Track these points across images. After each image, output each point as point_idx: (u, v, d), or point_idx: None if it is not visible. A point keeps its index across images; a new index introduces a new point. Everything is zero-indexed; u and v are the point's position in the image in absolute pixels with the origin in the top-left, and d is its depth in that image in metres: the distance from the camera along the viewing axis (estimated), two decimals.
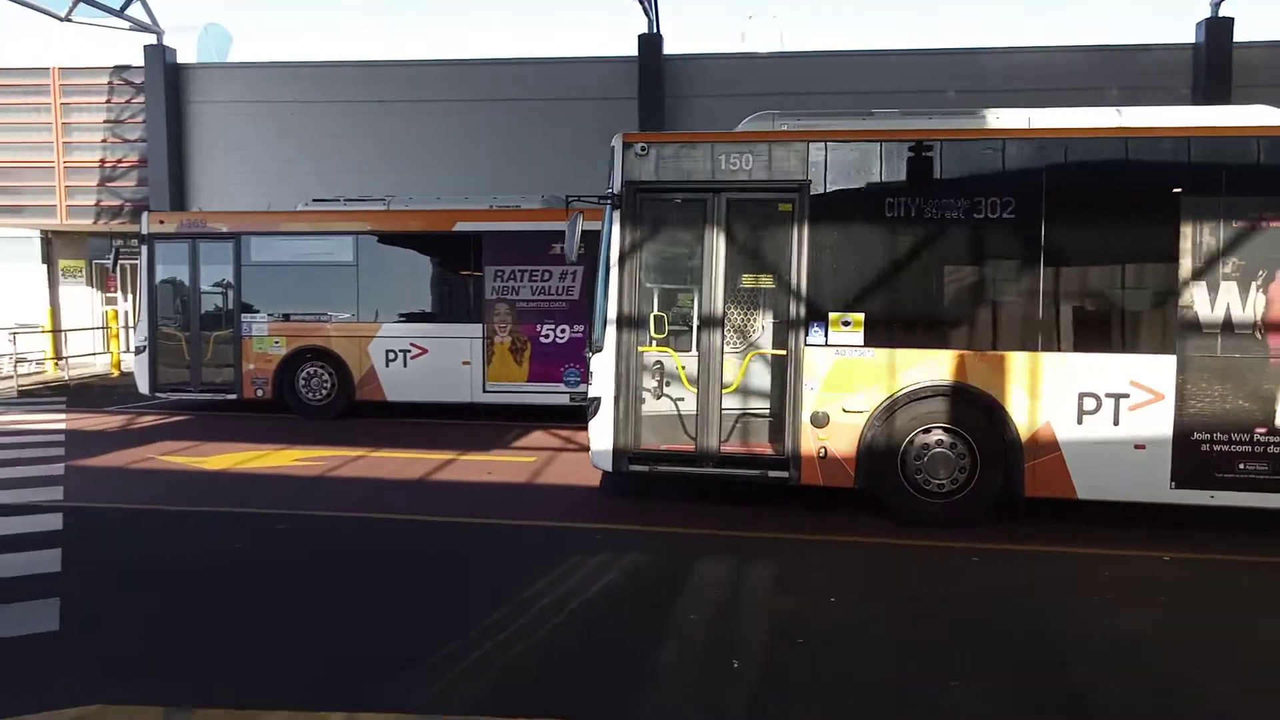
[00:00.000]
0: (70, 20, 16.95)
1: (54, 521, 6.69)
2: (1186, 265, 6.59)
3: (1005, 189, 6.81)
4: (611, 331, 7.22)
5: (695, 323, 7.22)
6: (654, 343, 7.24)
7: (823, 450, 7.01)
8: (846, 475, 7.02)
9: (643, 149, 7.24)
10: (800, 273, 6.97)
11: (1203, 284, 6.60)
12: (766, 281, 7.26)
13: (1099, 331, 6.90)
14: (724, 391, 7.18)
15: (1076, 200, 6.83)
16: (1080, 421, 6.73)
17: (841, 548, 6.36)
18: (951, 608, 5.16)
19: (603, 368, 7.25)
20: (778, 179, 7.02)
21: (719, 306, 7.14)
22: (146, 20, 17.41)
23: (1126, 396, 6.68)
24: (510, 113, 16.73)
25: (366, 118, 17.19)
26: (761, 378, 7.26)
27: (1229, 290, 6.57)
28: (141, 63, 17.72)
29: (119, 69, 18.23)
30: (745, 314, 7.37)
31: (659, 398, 7.35)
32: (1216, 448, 6.57)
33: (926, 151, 6.95)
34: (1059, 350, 6.80)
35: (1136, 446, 6.67)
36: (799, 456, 7.04)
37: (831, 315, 6.97)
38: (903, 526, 6.80)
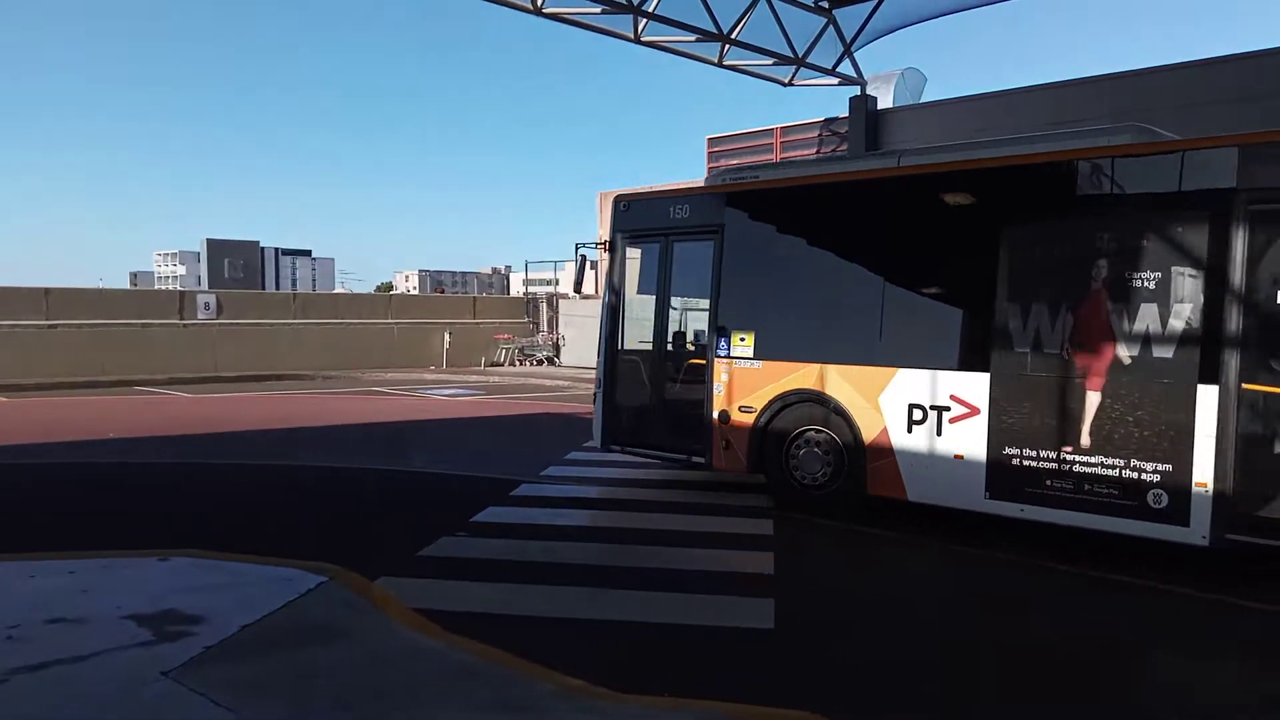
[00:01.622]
0: (792, 84, 19.68)
1: (765, 526, 7.72)
2: (1002, 289, 7.12)
3: (856, 226, 8.12)
4: (602, 341, 9.58)
5: (651, 336, 9.29)
6: (626, 352, 9.52)
7: (725, 442, 8.56)
8: (742, 463, 8.50)
9: (625, 207, 9.54)
10: (716, 297, 8.71)
11: (1016, 306, 7.04)
12: (698, 305, 9.10)
13: (925, 348, 7.58)
14: (666, 393, 9.25)
15: (911, 233, 7.77)
16: (910, 430, 7.49)
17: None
18: None
19: (599, 370, 9.61)
20: (705, 224, 8.84)
21: (666, 324, 9.23)
22: (853, 74, 19.28)
23: (948, 409, 7.29)
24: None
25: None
26: (693, 382, 8.94)
27: (1039, 312, 6.95)
28: (847, 113, 19.67)
29: (828, 121, 20.54)
30: (687, 330, 9.31)
31: (630, 395, 9.45)
32: (1026, 462, 6.90)
33: (797, 197, 8.53)
34: (892, 365, 7.61)
35: (956, 456, 7.23)
36: (710, 446, 8.65)
37: (733, 333, 8.58)
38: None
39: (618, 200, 9.73)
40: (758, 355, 8.46)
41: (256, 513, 7.99)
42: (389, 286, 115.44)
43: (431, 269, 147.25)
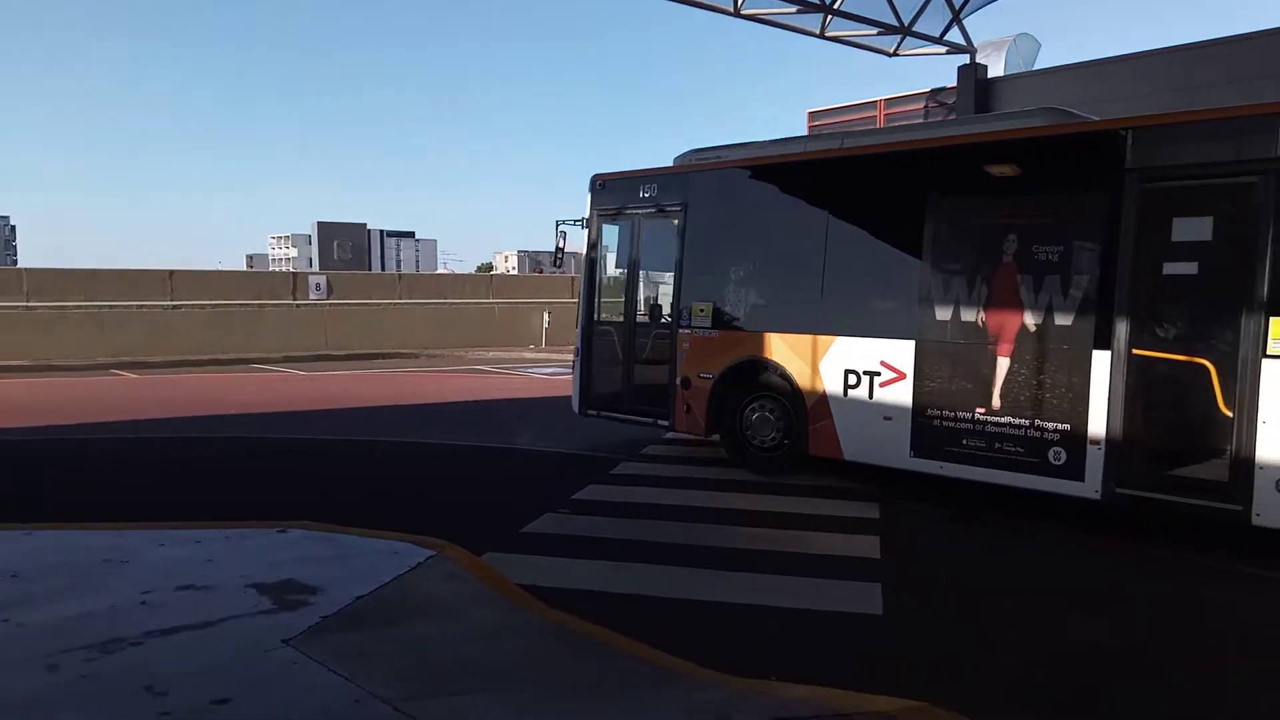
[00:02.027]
0: (897, 54, 19.06)
1: (870, 510, 7.53)
2: (925, 261, 7.67)
3: (798, 205, 8.61)
4: (580, 313, 10.33)
5: (622, 308, 9.95)
6: (602, 323, 10.21)
7: (686, 406, 9.18)
8: (700, 427, 9.12)
9: (602, 184, 10.04)
10: (680, 272, 9.32)
11: (937, 277, 7.60)
12: (666, 278, 9.66)
13: (859, 317, 8.16)
14: (636, 361, 9.85)
15: (845, 211, 8.28)
16: (846, 394, 8.12)
17: None
18: None
19: (577, 340, 10.29)
20: (671, 202, 9.42)
21: (635, 297, 9.89)
22: (961, 42, 18.55)
23: (878, 374, 7.91)
24: None
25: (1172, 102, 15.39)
26: (660, 352, 9.57)
27: (957, 284, 7.48)
28: (954, 83, 18.94)
29: (935, 91, 19.82)
30: (655, 303, 9.90)
31: (604, 364, 10.08)
32: (945, 423, 7.47)
33: (746, 178, 9.00)
34: (830, 334, 8.25)
35: (885, 418, 7.82)
36: (674, 411, 9.30)
37: (694, 305, 9.16)
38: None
39: (594, 179, 10.24)
40: (715, 326, 9.14)
41: (366, 487, 8.24)
42: (489, 267, 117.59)
43: (530, 249, 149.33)
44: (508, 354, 24.12)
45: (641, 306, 9.96)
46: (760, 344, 8.76)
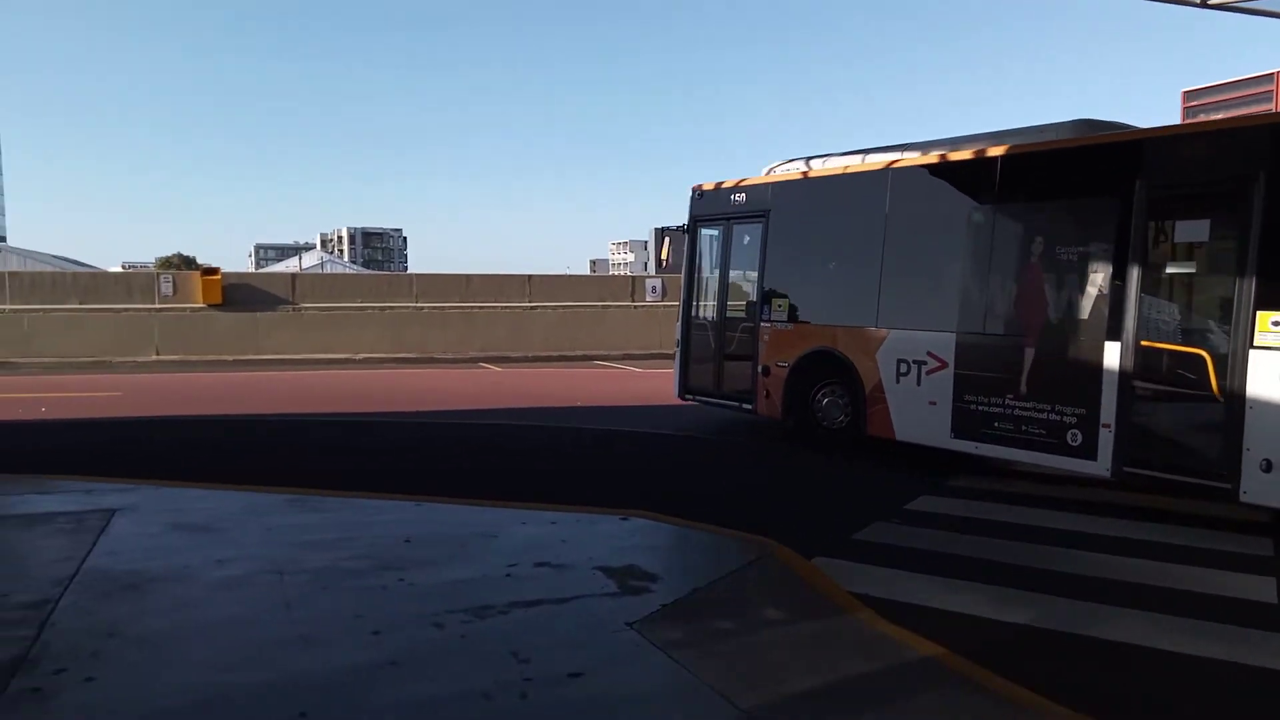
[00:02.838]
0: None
1: (1263, 546, 6.49)
2: (964, 262, 8.60)
3: (859, 213, 9.55)
4: (681, 309, 11.74)
5: (715, 305, 11.41)
6: (699, 317, 11.61)
7: (766, 391, 10.44)
8: (777, 410, 10.33)
9: (700, 195, 11.46)
10: (762, 271, 10.54)
11: (974, 276, 8.53)
12: (752, 278, 10.84)
13: (910, 313, 9.04)
14: (727, 351, 11.18)
15: (902, 219, 9.16)
16: (898, 381, 9.03)
17: None
18: None
19: (678, 333, 11.77)
20: (755, 209, 10.66)
21: (725, 295, 11.26)
22: None
23: (925, 363, 8.77)
24: None
25: None
26: (746, 344, 10.81)
27: (992, 283, 8.43)
28: None
29: None
30: (742, 300, 11.07)
31: (701, 354, 11.53)
32: (980, 407, 8.29)
33: (818, 188, 10.13)
34: (886, 327, 9.19)
35: (930, 402, 8.68)
36: (755, 396, 10.57)
37: (773, 301, 10.42)
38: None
39: (694, 189, 11.56)
40: (790, 319, 10.33)
41: (698, 480, 8.53)
42: None
43: None
44: None
45: (731, 303, 11.20)
46: (829, 336, 9.88)
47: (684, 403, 11.82)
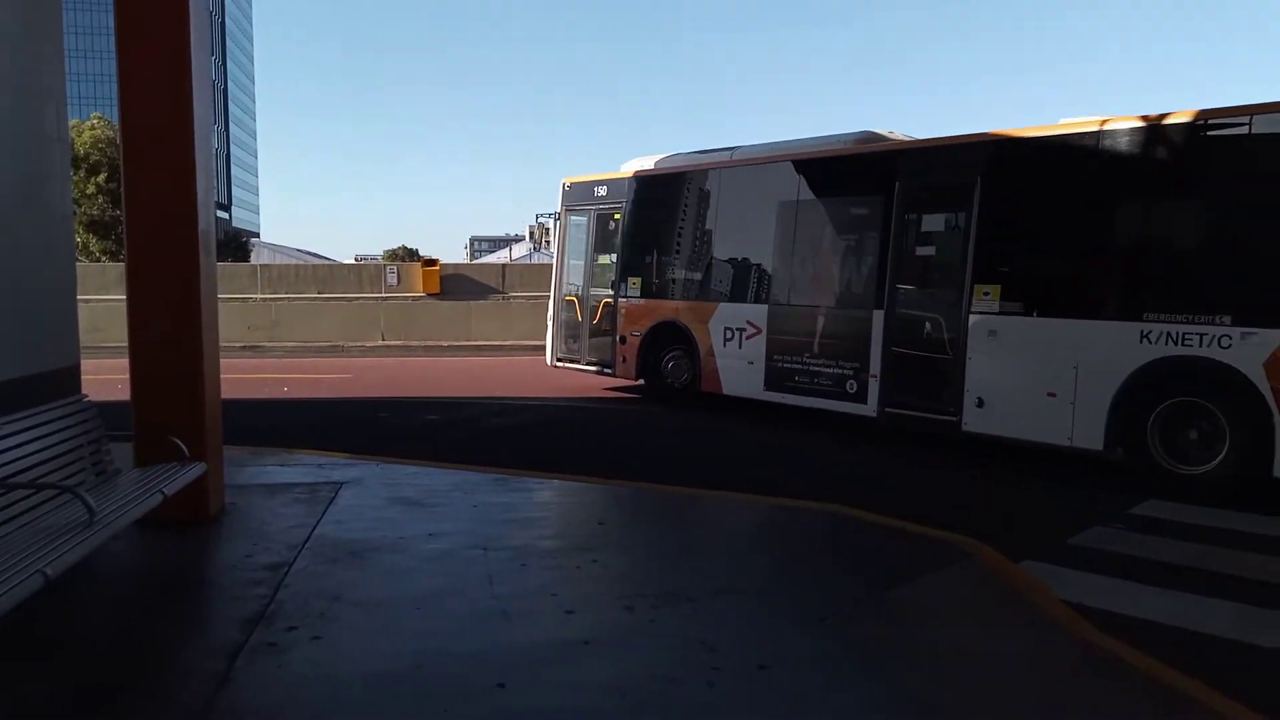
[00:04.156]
0: None
1: None
2: (774, 247, 10.64)
3: (695, 204, 11.66)
4: (553, 287, 13.62)
5: (582, 284, 13.19)
6: (567, 293, 13.39)
7: (624, 358, 12.34)
8: (633, 372, 12.28)
9: (569, 187, 13.38)
10: (620, 253, 12.49)
11: (781, 258, 10.62)
12: (611, 260, 12.71)
13: (733, 289, 11.15)
14: (592, 323, 12.92)
15: (728, 211, 11.28)
16: (724, 345, 11.01)
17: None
18: None
19: (550, 308, 13.67)
20: (615, 200, 12.57)
21: (591, 275, 13.10)
22: None
23: (744, 330, 10.74)
24: None
25: None
26: (607, 317, 12.62)
27: (794, 264, 10.56)
28: None
29: None
30: (604, 278, 12.87)
31: (569, 326, 13.34)
32: (785, 365, 10.30)
33: (661, 182, 12.16)
34: (715, 301, 11.22)
35: (749, 363, 10.65)
36: (615, 361, 12.47)
37: (629, 279, 12.30)
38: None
39: (563, 182, 13.38)
40: (643, 295, 12.20)
41: (897, 477, 8.23)
42: None
43: None
44: None
45: (595, 282, 13.00)
46: (672, 309, 11.79)
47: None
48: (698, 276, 11.66)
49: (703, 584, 4.81)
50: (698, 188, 11.63)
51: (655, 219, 12.19)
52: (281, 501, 6.30)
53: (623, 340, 12.38)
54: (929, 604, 4.70)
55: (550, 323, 13.66)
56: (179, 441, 5.32)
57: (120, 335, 5.74)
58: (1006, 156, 8.71)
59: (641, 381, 12.38)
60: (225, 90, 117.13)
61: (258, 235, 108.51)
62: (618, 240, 12.58)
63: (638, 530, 6.13)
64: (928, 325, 9.04)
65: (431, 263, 24.97)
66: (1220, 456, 7.21)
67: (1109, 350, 7.71)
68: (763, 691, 3.56)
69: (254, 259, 63.96)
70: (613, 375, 12.66)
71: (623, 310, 12.42)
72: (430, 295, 24.26)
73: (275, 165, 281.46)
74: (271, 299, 24.14)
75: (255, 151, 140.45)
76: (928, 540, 5.72)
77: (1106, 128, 8.02)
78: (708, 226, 11.49)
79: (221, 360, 6.17)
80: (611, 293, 12.63)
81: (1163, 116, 7.69)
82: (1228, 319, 7.05)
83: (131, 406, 5.66)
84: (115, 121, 6.11)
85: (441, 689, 3.49)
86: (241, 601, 4.35)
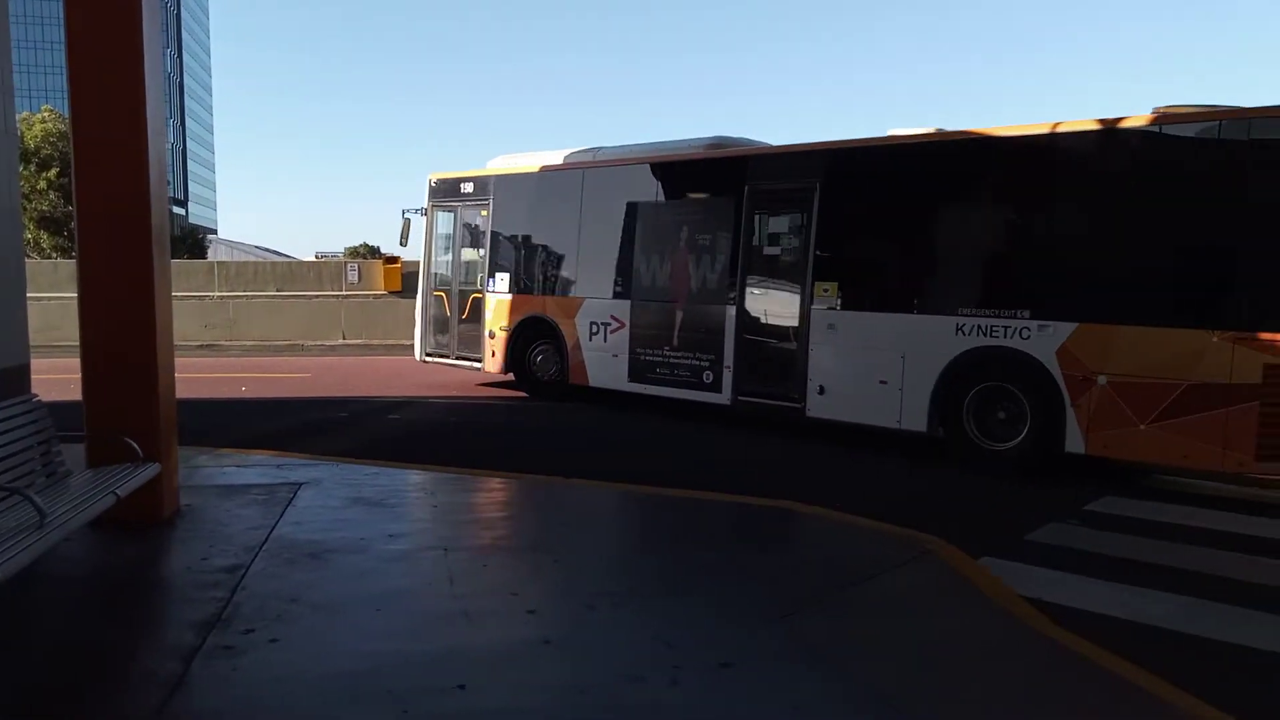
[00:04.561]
0: None
1: None
2: (635, 246, 11.05)
3: (564, 204, 11.86)
4: (421, 282, 13.71)
5: (450, 279, 13.39)
6: (435, 289, 13.54)
7: (493, 352, 12.60)
8: (501, 366, 12.48)
9: (436, 183, 13.47)
10: (488, 250, 12.73)
11: (642, 257, 10.97)
12: (479, 255, 12.96)
13: (598, 284, 11.49)
14: (460, 318, 13.14)
15: (592, 209, 11.58)
16: (590, 339, 11.47)
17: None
18: None
19: (419, 303, 13.74)
20: (481, 197, 12.81)
21: (460, 269, 13.33)
22: None
23: (609, 324, 11.25)
24: None
25: None
26: (475, 312, 12.90)
27: (654, 261, 10.88)
28: None
29: None
30: (472, 274, 13.12)
31: (438, 322, 13.44)
32: (647, 358, 10.88)
33: (527, 182, 12.50)
34: (581, 296, 11.62)
35: (614, 356, 11.18)
36: (484, 356, 12.73)
37: (496, 275, 12.60)
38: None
39: (430, 178, 13.47)
40: (511, 289, 12.47)
41: (857, 474, 8.31)
42: None
43: None
44: None
45: (463, 277, 13.21)
46: (540, 304, 12.12)
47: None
48: (564, 273, 12.00)
49: (664, 582, 4.83)
50: (563, 187, 11.92)
51: (521, 216, 12.48)
52: (238, 503, 6.20)
53: (491, 335, 12.62)
54: (890, 600, 4.74)
55: (418, 318, 13.72)
56: (132, 442, 5.22)
57: (74, 333, 5.61)
58: (840, 164, 9.39)
59: (510, 375, 12.52)
60: (181, 84, 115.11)
61: (215, 232, 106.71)
62: (485, 236, 12.75)
63: (597, 528, 6.13)
64: (775, 319, 9.81)
65: (393, 260, 24.68)
66: (1022, 435, 8.14)
67: (930, 341, 8.57)
68: (725, 689, 3.57)
69: (211, 256, 62.90)
70: (481, 369, 12.80)
71: (491, 305, 12.65)
72: (392, 293, 24.00)
73: (234, 161, 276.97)
74: (229, 297, 23.74)
75: (212, 147, 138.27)
76: (887, 536, 5.78)
77: (924, 141, 8.96)
78: (572, 224, 11.75)
79: (177, 359, 6.06)
80: (479, 288, 12.87)
81: (968, 132, 8.65)
82: (1027, 313, 7.99)
83: (83, 406, 5.54)
84: (66, 115, 5.96)
85: (401, 690, 3.45)
86: (197, 604, 4.27)
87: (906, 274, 9.20)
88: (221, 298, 23.68)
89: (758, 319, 9.93)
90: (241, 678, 3.54)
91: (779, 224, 10.11)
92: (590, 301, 11.54)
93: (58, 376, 7.17)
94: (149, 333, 5.56)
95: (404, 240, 14.20)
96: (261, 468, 7.40)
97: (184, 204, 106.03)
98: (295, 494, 6.44)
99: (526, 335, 12.29)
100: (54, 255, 42.51)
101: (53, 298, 19.31)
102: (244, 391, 13.15)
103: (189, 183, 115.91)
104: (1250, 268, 7.17)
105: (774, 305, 9.83)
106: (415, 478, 7.21)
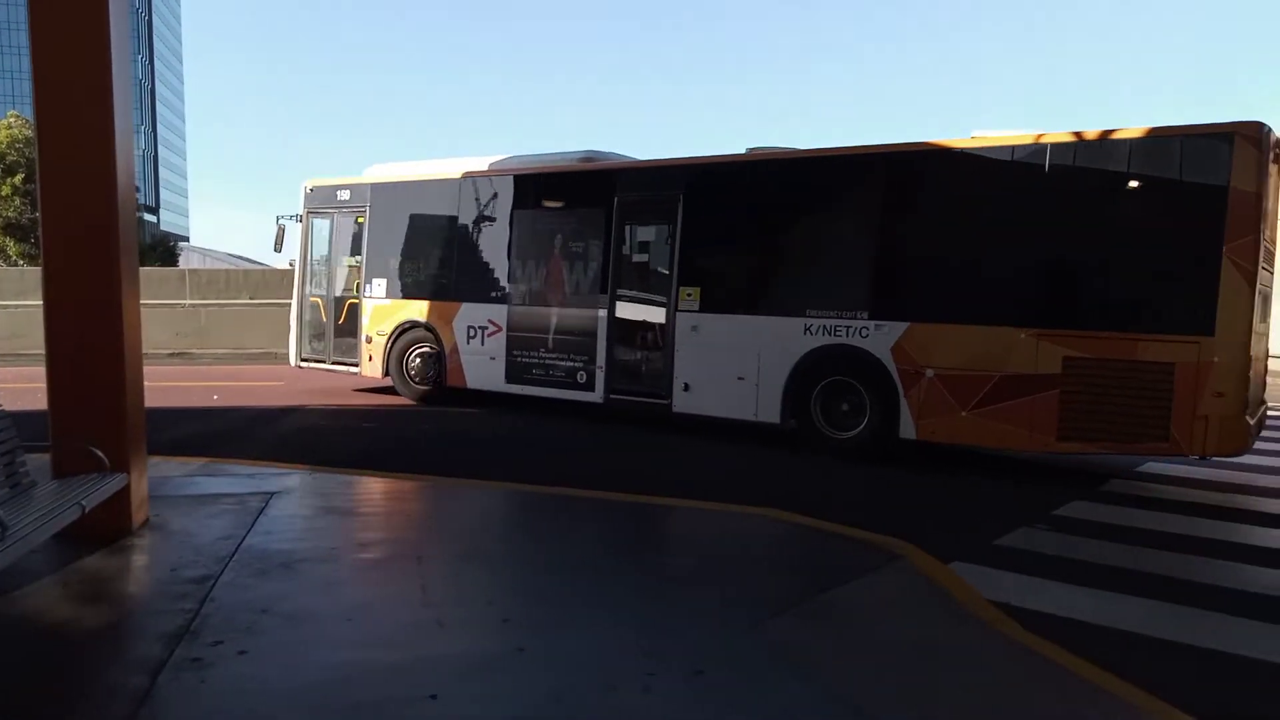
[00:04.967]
0: None
1: None
2: (511, 252, 11.72)
3: (441, 211, 12.42)
4: (297, 288, 13.77)
5: (326, 284, 13.59)
6: (312, 294, 13.66)
7: (370, 356, 12.89)
8: (379, 371, 12.81)
9: (311, 190, 13.56)
10: (365, 256, 12.98)
11: (518, 263, 11.69)
12: (356, 261, 13.18)
13: (476, 289, 12.03)
14: (337, 323, 13.32)
15: (469, 217, 12.15)
16: (468, 343, 12.02)
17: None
18: None
19: (294, 308, 13.78)
20: (358, 204, 13.07)
21: (338, 275, 13.49)
22: None
23: (486, 328, 11.84)
24: None
25: None
26: (353, 316, 13.13)
27: (529, 267, 11.55)
28: None
29: None
30: (350, 279, 13.33)
31: (314, 326, 13.60)
32: (524, 359, 11.51)
33: (401, 189, 12.83)
34: (459, 301, 12.11)
35: (492, 358, 11.77)
36: (361, 360, 12.98)
37: (374, 280, 12.90)
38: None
39: (305, 185, 13.56)
40: (389, 295, 12.80)
41: (828, 480, 8.35)
42: None
43: None
44: None
45: (340, 283, 13.42)
46: (418, 309, 12.48)
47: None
48: (442, 278, 12.45)
49: (637, 589, 4.83)
50: (441, 195, 12.33)
51: (399, 223, 12.83)
52: (209, 513, 6.13)
53: (369, 340, 12.95)
54: (863, 605, 4.77)
55: (293, 324, 13.85)
56: (99, 452, 5.15)
57: (40, 341, 5.53)
58: (701, 179, 10.26)
59: (388, 378, 12.81)
60: (153, 90, 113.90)
61: (187, 239, 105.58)
62: (363, 243, 13.02)
63: (573, 535, 6.11)
64: (643, 322, 10.62)
65: None
66: (863, 424, 9.10)
67: (782, 341, 9.49)
68: (699, 696, 3.58)
69: (183, 263, 62.21)
70: (359, 373, 13.07)
71: (369, 310, 12.97)
72: None
73: (206, 168, 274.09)
74: (201, 305, 23.52)
75: (184, 153, 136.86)
76: (858, 543, 5.82)
77: (775, 158, 9.99)
78: (450, 232, 12.27)
79: (147, 368, 5.99)
80: (356, 294, 13.17)
81: (816, 151, 9.73)
82: (866, 315, 8.99)
83: (49, 416, 5.46)
84: (32, 120, 5.87)
85: (372, 701, 3.42)
86: (165, 616, 4.22)
87: (760, 279, 10.11)
88: (193, 306, 23.45)
89: (628, 322, 10.69)
90: (209, 690, 3.50)
91: (646, 233, 10.95)
92: (468, 306, 12.01)
93: (24, 385, 7.07)
94: (116, 341, 5.49)
95: (278, 247, 14.13)
96: (233, 477, 7.32)
97: (155, 211, 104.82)
98: (267, 503, 6.38)
99: (404, 340, 12.65)
100: (20, 262, 41.90)
101: (19, 305, 19.05)
102: (215, 400, 13.01)
103: (160, 189, 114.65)
104: (1051, 273, 8.36)
105: (642, 309, 10.61)
106: (389, 486, 7.16)
